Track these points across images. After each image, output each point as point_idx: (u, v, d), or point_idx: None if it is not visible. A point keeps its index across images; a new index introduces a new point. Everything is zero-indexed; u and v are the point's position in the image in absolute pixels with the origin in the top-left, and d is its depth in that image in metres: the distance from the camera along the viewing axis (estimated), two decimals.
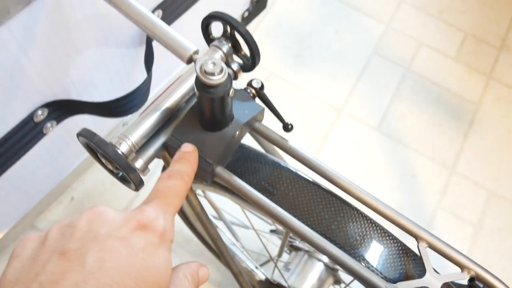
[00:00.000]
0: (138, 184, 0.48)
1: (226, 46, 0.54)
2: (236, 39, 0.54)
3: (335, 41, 1.64)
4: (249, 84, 0.56)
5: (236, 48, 0.55)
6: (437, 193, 1.44)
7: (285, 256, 1.04)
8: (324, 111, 1.52)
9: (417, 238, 0.50)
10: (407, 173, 1.45)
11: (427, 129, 1.53)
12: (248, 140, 0.57)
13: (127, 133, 0.49)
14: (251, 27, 1.58)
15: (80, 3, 0.69)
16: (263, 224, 1.10)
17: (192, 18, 1.03)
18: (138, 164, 0.50)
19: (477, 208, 1.43)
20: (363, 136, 1.49)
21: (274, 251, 1.12)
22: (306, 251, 0.87)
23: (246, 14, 1.41)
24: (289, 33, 1.63)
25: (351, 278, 0.67)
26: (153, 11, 0.87)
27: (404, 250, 0.53)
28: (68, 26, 0.70)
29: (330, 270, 0.85)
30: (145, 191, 1.15)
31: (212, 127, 0.49)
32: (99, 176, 1.30)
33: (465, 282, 0.50)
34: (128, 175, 0.47)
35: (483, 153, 1.52)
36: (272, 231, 1.10)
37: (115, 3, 0.46)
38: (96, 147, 0.46)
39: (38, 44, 0.66)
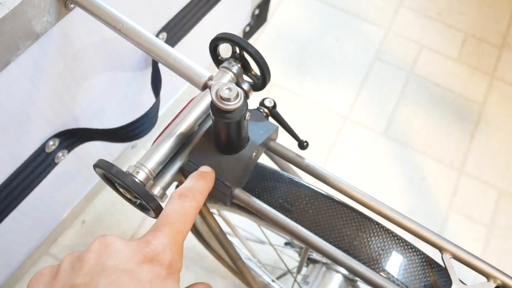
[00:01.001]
0: (157, 212, 0.48)
1: (236, 67, 0.54)
2: (245, 59, 0.55)
3: (336, 49, 1.65)
4: (262, 103, 0.56)
5: (245, 68, 0.55)
6: (448, 195, 1.43)
7: (303, 269, 1.03)
8: (330, 119, 1.52)
9: (440, 249, 0.49)
10: (416, 176, 1.45)
11: (433, 131, 1.53)
12: (261, 157, 0.57)
13: (143, 161, 0.49)
14: (251, 41, 1.59)
15: (86, 32, 0.69)
16: (277, 237, 1.09)
17: (196, 37, 1.03)
18: (156, 191, 0.50)
19: (489, 208, 1.42)
20: (370, 142, 1.49)
21: (290, 263, 1.12)
22: (324, 263, 0.86)
23: (248, 29, 1.42)
24: (289, 44, 1.64)
25: None
26: (157, 34, 0.88)
27: (428, 262, 0.52)
28: (75, 55, 0.70)
29: (349, 282, 0.85)
30: None
31: (229, 150, 0.49)
32: (108, 197, 1.30)
33: None
34: (147, 204, 0.46)
35: (490, 153, 1.51)
36: (286, 243, 1.09)
37: (126, 33, 0.46)
38: (115, 178, 0.46)
39: (47, 76, 0.67)
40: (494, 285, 0.48)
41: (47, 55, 0.63)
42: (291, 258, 1.11)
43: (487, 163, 1.49)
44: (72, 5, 0.60)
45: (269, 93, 1.52)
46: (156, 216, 0.49)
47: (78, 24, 0.66)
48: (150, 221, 1.29)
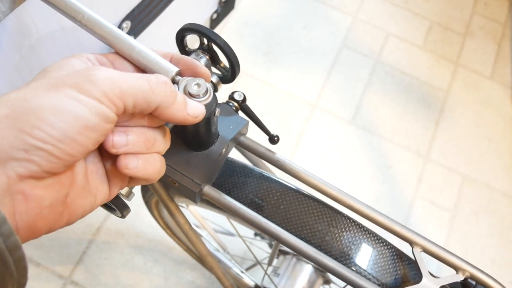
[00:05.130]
0: (124, 212, 0.46)
1: (204, 59, 0.53)
2: (214, 51, 0.53)
3: (304, 36, 1.64)
4: (231, 97, 0.55)
5: (214, 60, 0.54)
6: (414, 182, 1.46)
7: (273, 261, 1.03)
8: (298, 107, 1.51)
9: (411, 243, 0.50)
10: (384, 164, 1.47)
11: (400, 119, 1.55)
12: (232, 152, 0.56)
13: None
14: (218, 28, 1.56)
15: (44, 21, 0.65)
16: (246, 229, 1.09)
17: (162, 26, 1.00)
18: (122, 189, 0.48)
19: (453, 193, 1.46)
20: (338, 130, 1.50)
21: (260, 254, 1.11)
22: (295, 255, 0.86)
23: (215, 16, 1.38)
24: (257, 31, 1.62)
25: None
26: (121, 23, 0.84)
27: (399, 255, 0.53)
28: (33, 47, 0.67)
29: (319, 272, 0.85)
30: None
31: (198, 147, 0.48)
32: None
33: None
34: (112, 204, 0.45)
35: (455, 139, 1.55)
36: (256, 234, 1.09)
37: (87, 25, 0.43)
38: None
39: (1, 68, 0.63)
40: (463, 277, 0.49)
41: (0, 47, 0.59)
42: (261, 249, 1.11)
43: (451, 150, 1.52)
44: None
45: (237, 82, 1.50)
46: (123, 216, 0.47)
47: (35, 13, 0.62)
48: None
